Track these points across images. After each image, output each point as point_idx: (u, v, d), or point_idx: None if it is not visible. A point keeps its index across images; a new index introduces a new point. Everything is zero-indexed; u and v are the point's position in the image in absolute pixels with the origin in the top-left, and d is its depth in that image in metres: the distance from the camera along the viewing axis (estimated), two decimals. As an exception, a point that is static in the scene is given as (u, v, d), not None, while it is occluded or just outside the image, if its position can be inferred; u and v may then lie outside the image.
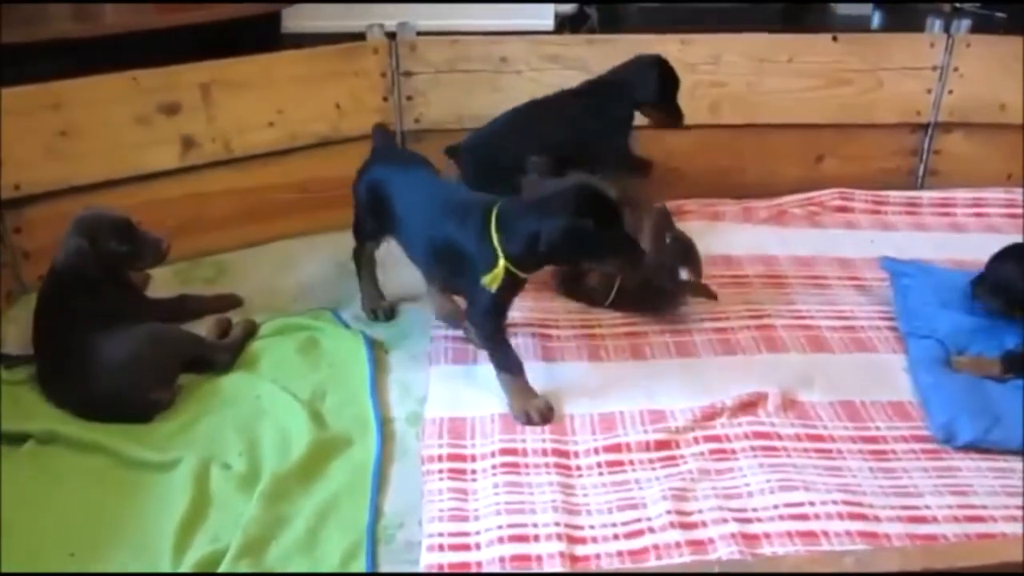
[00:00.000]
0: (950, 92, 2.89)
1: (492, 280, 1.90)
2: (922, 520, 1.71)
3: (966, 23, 2.87)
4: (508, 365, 1.99)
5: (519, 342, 2.20)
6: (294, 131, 2.66)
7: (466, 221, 1.95)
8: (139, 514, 1.76)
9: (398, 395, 2.08)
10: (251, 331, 2.25)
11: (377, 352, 2.21)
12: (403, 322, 2.35)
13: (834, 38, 2.81)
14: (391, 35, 2.73)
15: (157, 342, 2.06)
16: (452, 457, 1.86)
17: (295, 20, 2.86)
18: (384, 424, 1.98)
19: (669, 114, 2.57)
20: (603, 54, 2.75)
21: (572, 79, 2.76)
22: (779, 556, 1.20)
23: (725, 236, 2.73)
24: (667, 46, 2.77)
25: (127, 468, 1.87)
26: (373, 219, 2.23)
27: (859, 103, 2.82)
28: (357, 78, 2.72)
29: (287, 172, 2.72)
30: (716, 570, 0.82)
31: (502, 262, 1.89)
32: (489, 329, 2.01)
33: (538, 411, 1.96)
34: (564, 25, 3.41)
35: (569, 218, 1.84)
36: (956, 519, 1.71)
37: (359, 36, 2.74)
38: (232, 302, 2.39)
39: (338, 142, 2.73)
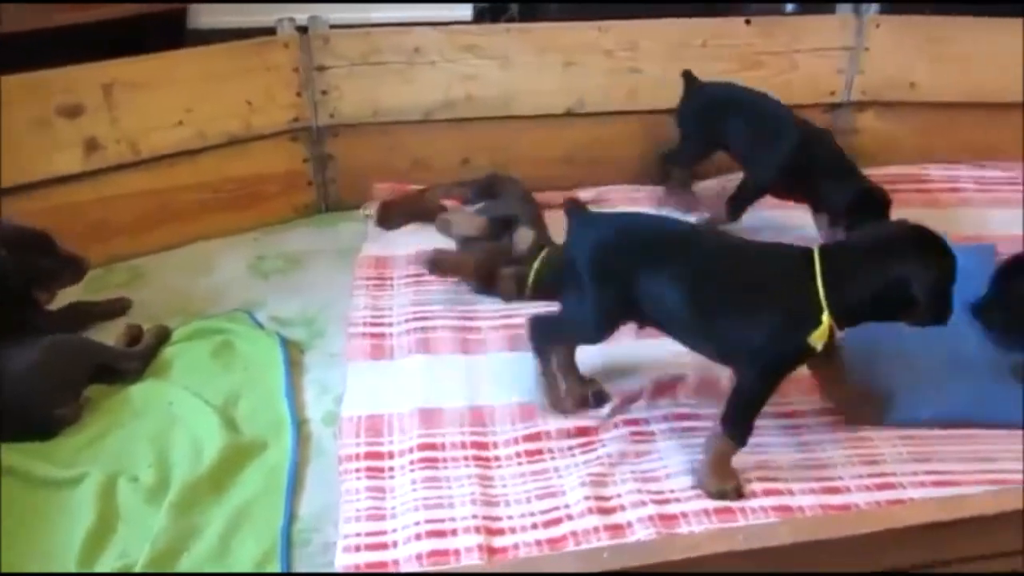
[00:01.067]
0: (861, 72, 2.93)
1: (819, 337, 1.65)
2: (835, 491, 1.73)
3: (875, 4, 2.91)
4: (741, 439, 1.73)
5: (439, 336, 2.18)
6: (203, 130, 2.59)
7: (775, 272, 1.73)
8: (43, 534, 1.70)
9: (314, 395, 2.05)
10: (163, 337, 2.19)
11: (293, 352, 2.17)
12: (320, 320, 2.31)
13: (747, 22, 2.83)
14: (302, 29, 2.67)
15: (59, 354, 1.99)
16: (370, 455, 1.83)
17: (202, 16, 2.79)
18: (300, 426, 1.94)
19: None
20: (520, 44, 2.74)
21: (488, 70, 2.75)
22: (675, 535, 1.20)
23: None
24: (585, 34, 2.76)
25: (32, 487, 1.80)
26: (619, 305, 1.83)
27: (774, 85, 2.83)
28: (268, 74, 2.65)
29: (198, 172, 2.65)
30: (605, 555, 0.80)
31: (826, 317, 1.67)
32: (761, 396, 1.73)
33: (734, 491, 1.71)
34: (484, 15, 3.39)
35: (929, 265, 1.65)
36: (867, 488, 1.74)
37: (269, 31, 2.68)
38: (123, 305, 2.33)
39: (250, 140, 2.67)
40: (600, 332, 1.88)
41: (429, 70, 2.74)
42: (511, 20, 3.34)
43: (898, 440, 1.87)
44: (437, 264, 2.32)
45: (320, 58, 2.68)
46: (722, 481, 1.71)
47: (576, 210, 1.94)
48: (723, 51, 2.83)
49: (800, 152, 2.43)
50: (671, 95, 2.84)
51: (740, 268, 1.78)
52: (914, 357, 2.01)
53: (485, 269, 2.31)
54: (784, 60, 2.86)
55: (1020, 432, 1.85)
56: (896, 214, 2.71)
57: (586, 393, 1.95)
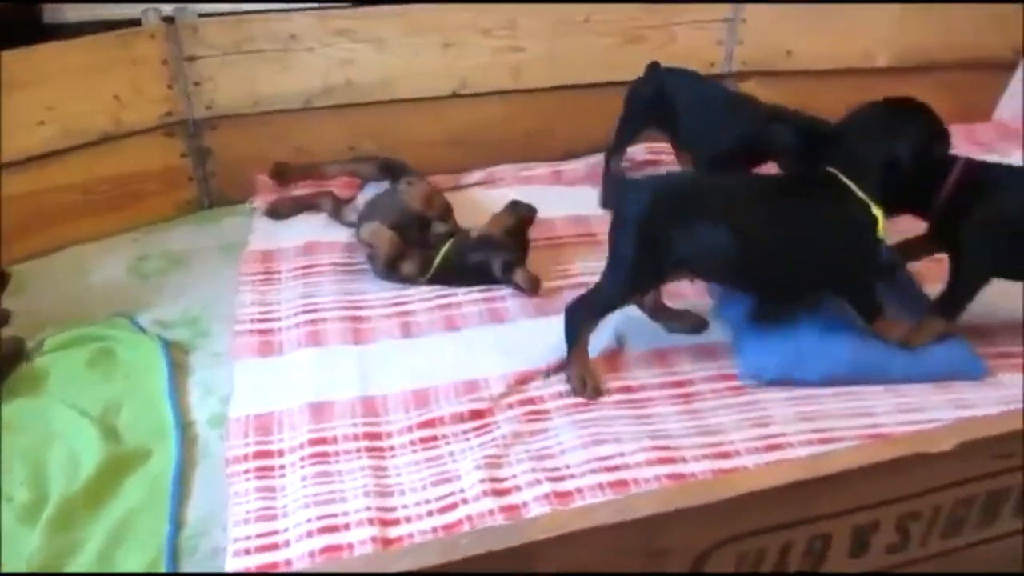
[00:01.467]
0: (740, 42, 2.98)
1: (882, 229, 1.80)
2: (726, 455, 1.75)
3: (748, -26, 2.95)
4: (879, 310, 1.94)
5: (328, 327, 2.13)
6: (68, 128, 2.47)
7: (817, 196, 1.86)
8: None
9: (200, 397, 1.98)
10: (16, 351, 2.07)
11: (176, 355, 2.09)
12: (204, 320, 2.23)
13: (627, -4, 2.84)
14: (169, 19, 2.56)
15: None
16: (259, 455, 1.77)
17: (59, 9, 2.64)
18: (184, 429, 1.88)
19: None
20: (398, 27, 2.69)
21: (366, 54, 2.69)
22: (536, 517, 1.19)
23: (539, 199, 2.70)
24: (462, 14, 2.73)
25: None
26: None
27: (657, 57, 2.86)
28: (136, 67, 2.54)
29: (69, 173, 2.53)
30: (464, 542, 0.79)
31: (876, 210, 1.81)
32: (873, 296, 1.95)
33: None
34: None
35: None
36: (757, 450, 1.76)
37: (135, 23, 2.56)
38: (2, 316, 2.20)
39: (122, 137, 2.56)
40: (633, 290, 1.94)
41: (306, 56, 2.67)
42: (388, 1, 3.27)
43: (786, 401, 1.91)
44: (359, 234, 2.33)
45: (190, 48, 2.58)
46: (895, 332, 1.95)
47: (617, 178, 1.93)
48: (605, 26, 2.84)
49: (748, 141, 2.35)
50: (555, 73, 2.86)
51: (791, 204, 1.89)
52: (798, 317, 2.06)
53: (397, 248, 2.26)
54: (664, 33, 2.89)
55: (896, 386, 1.92)
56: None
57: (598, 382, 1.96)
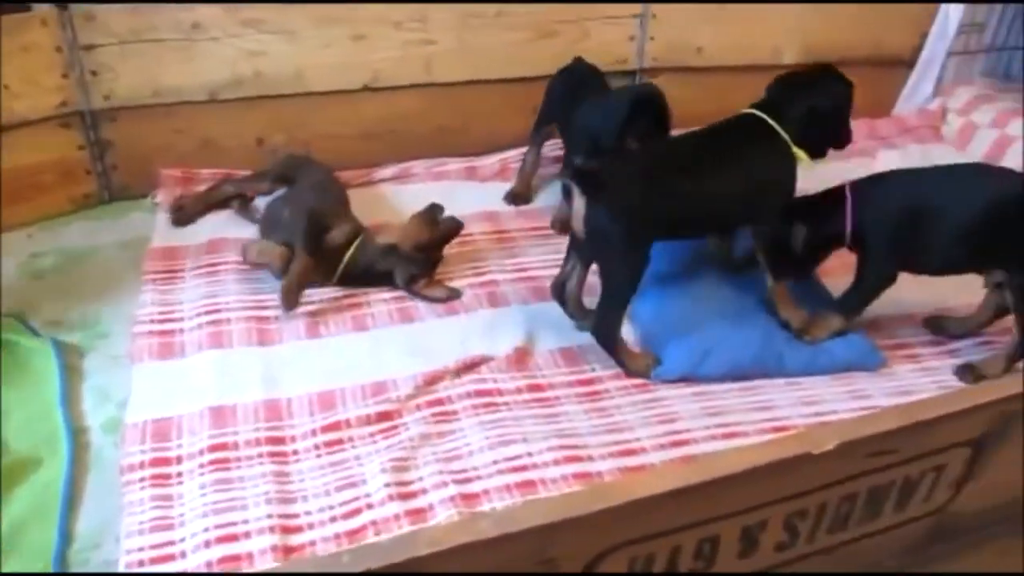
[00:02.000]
0: (652, 38, 3.00)
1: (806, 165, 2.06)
2: (632, 452, 1.77)
3: (663, -31, 2.97)
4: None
5: (232, 328, 2.07)
6: (-48, 121, 2.34)
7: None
8: None
9: (94, 402, 1.90)
10: None
11: (70, 358, 2.01)
12: (103, 320, 2.14)
13: (538, -10, 2.83)
14: (63, 4, 2.45)
15: None
16: (156, 462, 1.72)
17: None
18: (77, 436, 1.80)
19: None
20: (308, 18, 2.63)
21: (275, 45, 2.62)
22: (419, 530, 1.17)
23: (451, 196, 2.69)
24: (373, 6, 2.67)
25: None
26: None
27: (569, 53, 2.85)
28: (27, 55, 2.42)
29: (-47, 168, 2.40)
30: (345, 559, 0.77)
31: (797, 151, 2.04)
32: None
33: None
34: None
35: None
36: (663, 446, 1.79)
37: (23, 8, 2.44)
38: None
39: (13, 128, 2.44)
40: (642, 274, 1.97)
41: (212, 46, 2.58)
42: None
43: (691, 396, 1.94)
44: (246, 253, 2.27)
45: (86, 36, 2.47)
46: (794, 311, 2.08)
47: (583, 179, 1.97)
48: (517, 21, 2.82)
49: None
50: (467, 67, 2.83)
51: (726, 146, 2.08)
52: (703, 314, 2.09)
53: (289, 260, 2.20)
54: (576, 29, 2.88)
55: (795, 380, 1.97)
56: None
57: (651, 359, 2.03)
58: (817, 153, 2.10)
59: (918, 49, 3.25)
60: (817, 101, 2.08)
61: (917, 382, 1.99)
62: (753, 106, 2.11)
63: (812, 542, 1.13)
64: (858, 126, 3.21)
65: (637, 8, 2.94)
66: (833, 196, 2.08)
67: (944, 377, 2.01)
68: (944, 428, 1.05)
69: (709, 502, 0.96)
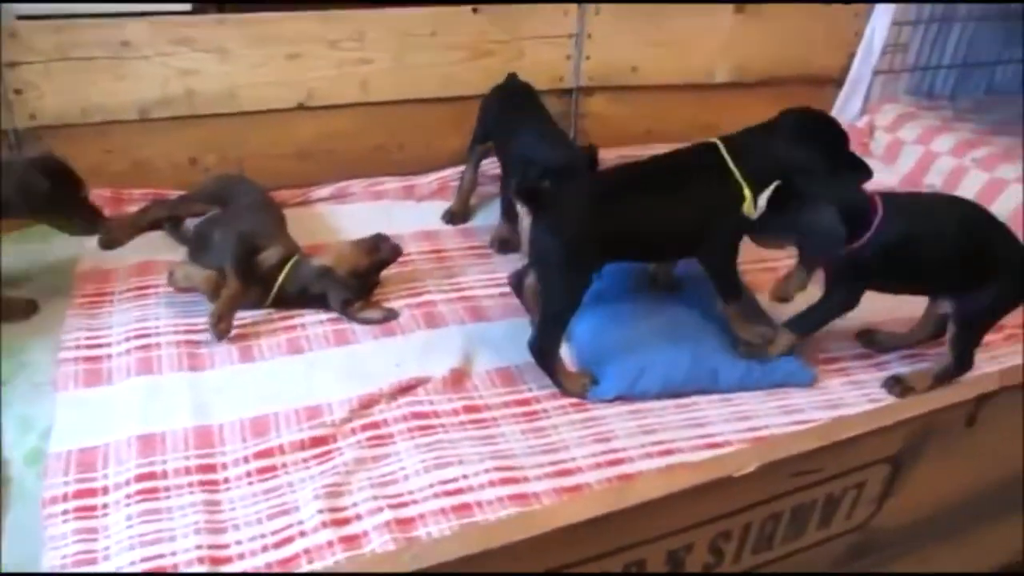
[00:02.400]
0: (587, 58, 3.03)
1: (748, 209, 1.99)
2: (568, 473, 1.77)
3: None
4: (739, 293, 2.12)
5: (163, 353, 2.03)
6: None
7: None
8: None
9: (16, 432, 1.83)
10: None
11: (-9, 386, 1.94)
12: (27, 347, 2.08)
13: (474, 10, 2.83)
14: (-16, 23, 2.39)
15: None
16: (80, 494, 1.67)
17: None
18: (-3, 468, 1.74)
19: None
20: (240, 36, 2.60)
21: (207, 63, 2.59)
22: (347, 561, 1.16)
23: (389, 215, 2.70)
24: (307, 23, 2.66)
25: None
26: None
27: (505, 72, 2.87)
28: (-54, 73, 2.36)
29: None
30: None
31: (748, 192, 2.00)
32: (733, 257, 2.10)
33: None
34: (208, 5, 3.18)
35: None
36: (599, 465, 1.79)
37: (-54, 26, 2.38)
38: None
39: (-68, 149, 2.37)
40: (582, 296, 2.00)
41: (142, 65, 2.54)
42: (238, 9, 3.16)
43: (627, 414, 1.95)
44: (171, 277, 2.21)
45: (9, 54, 2.41)
46: (751, 332, 2.09)
47: (528, 195, 1.99)
48: (453, 40, 2.83)
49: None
50: (404, 86, 2.83)
51: (678, 175, 2.06)
52: (639, 332, 2.10)
53: (218, 285, 2.16)
54: (512, 48, 2.90)
55: (728, 395, 2.00)
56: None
57: (588, 378, 2.03)
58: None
59: (846, 68, 3.34)
60: (784, 149, 2.02)
61: (847, 395, 2.03)
62: (721, 136, 2.09)
63: (738, 563, 1.14)
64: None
65: (572, 28, 2.96)
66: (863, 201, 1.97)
67: (872, 390, 2.05)
68: (863, 446, 1.07)
69: (633, 527, 0.97)
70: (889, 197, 2.01)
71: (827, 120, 2.13)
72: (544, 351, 1.99)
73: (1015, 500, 1.51)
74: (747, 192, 1.99)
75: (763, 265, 2.42)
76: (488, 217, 2.70)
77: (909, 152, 3.12)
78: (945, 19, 3.33)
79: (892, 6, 3.20)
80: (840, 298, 2.04)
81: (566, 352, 2.08)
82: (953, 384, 1.91)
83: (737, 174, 2.00)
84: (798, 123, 2.07)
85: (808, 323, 2.08)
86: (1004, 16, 3.37)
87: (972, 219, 2.00)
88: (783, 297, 2.06)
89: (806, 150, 2.02)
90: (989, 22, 3.41)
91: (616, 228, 1.96)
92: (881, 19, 3.24)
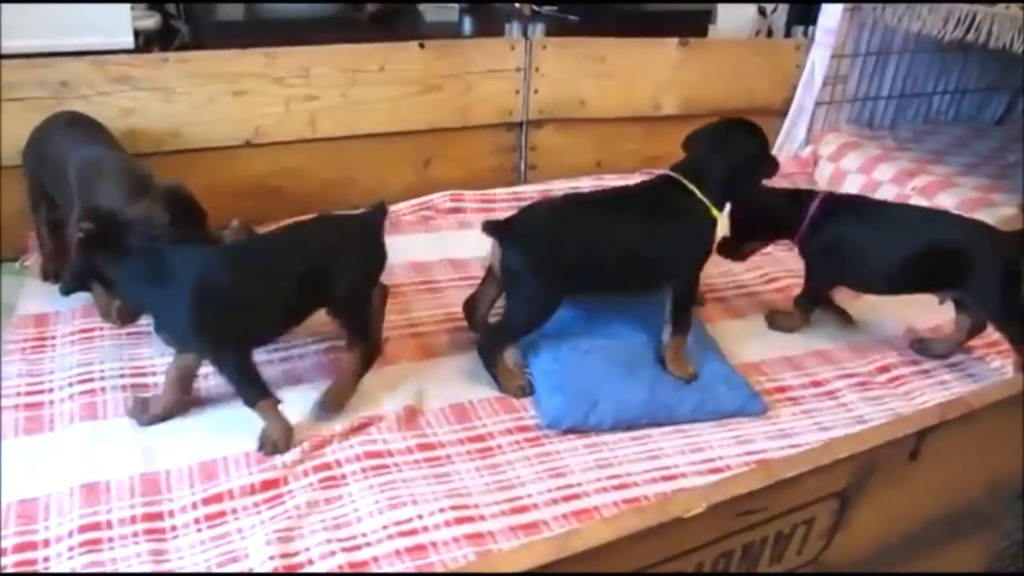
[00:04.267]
0: (536, 91, 3.06)
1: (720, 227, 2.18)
2: (524, 510, 1.76)
3: (540, 26, 3.05)
4: (688, 330, 2.16)
5: (107, 398, 1.98)
6: None
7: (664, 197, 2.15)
8: None
9: (-48, 486, 1.78)
10: None
11: (-75, 438, 1.87)
12: (-37, 396, 2.01)
13: (421, 45, 2.85)
14: (-83, 62, 2.34)
15: None
16: (20, 547, 1.61)
17: None
18: (-69, 525, 1.67)
19: None
20: (182, 74, 2.58)
21: (150, 102, 2.56)
22: None
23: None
24: (252, 61, 2.65)
25: None
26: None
27: (455, 107, 2.89)
28: None
29: None
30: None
31: (715, 212, 2.14)
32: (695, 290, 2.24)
33: (692, 376, 2.11)
34: (152, 42, 3.16)
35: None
36: (555, 501, 1.78)
37: None
38: None
39: None
40: (545, 318, 2.09)
41: (81, 104, 2.49)
42: (184, 47, 3.14)
43: (582, 448, 1.95)
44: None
45: (-57, 95, 2.36)
46: (684, 368, 2.11)
47: (495, 227, 2.05)
48: (401, 74, 2.84)
49: None
50: (352, 122, 2.83)
51: (647, 208, 2.13)
52: (594, 363, 2.11)
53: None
54: (461, 82, 2.92)
55: (681, 427, 2.01)
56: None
57: (525, 381, 2.11)
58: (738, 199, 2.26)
59: (789, 100, 3.42)
60: (734, 161, 2.17)
61: (797, 424, 2.05)
62: (673, 168, 2.20)
63: (694, 601, 1.14)
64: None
65: (520, 62, 2.99)
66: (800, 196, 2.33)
67: (822, 419, 2.08)
68: (809, 483, 1.09)
69: (581, 571, 0.96)
70: (838, 198, 2.34)
71: (751, 125, 2.27)
72: (490, 350, 2.08)
73: (962, 528, 1.54)
74: (715, 213, 2.13)
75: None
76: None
77: (852, 180, 3.19)
78: (882, 52, 3.43)
79: (831, 40, 3.29)
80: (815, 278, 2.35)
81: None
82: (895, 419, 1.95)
83: (705, 200, 2.11)
84: (734, 132, 2.23)
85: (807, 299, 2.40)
86: (939, 48, 3.48)
87: (926, 223, 2.24)
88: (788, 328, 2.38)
89: (745, 158, 2.20)
90: (925, 54, 3.52)
91: (583, 259, 2.04)
92: (821, 52, 3.33)
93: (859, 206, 2.34)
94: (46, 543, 1.63)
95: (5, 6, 2.51)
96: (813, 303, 2.40)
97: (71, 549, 1.61)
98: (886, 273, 2.23)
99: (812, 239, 2.29)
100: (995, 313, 2.19)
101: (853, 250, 2.25)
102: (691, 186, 2.12)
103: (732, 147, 2.19)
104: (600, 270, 2.08)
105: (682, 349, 2.14)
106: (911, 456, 1.23)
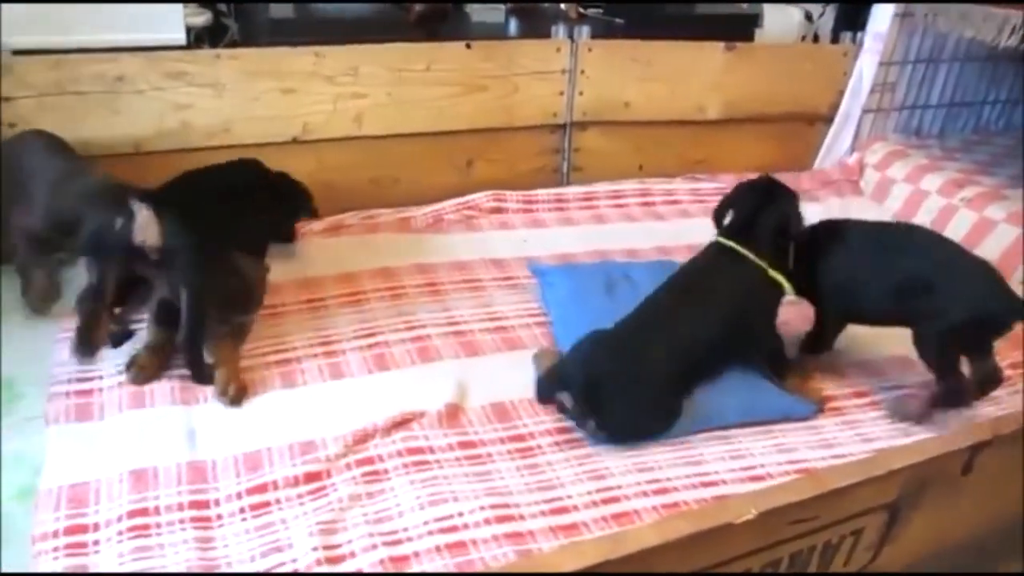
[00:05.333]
0: (580, 93, 3.06)
1: (789, 291, 2.13)
2: (564, 511, 1.76)
3: (587, 29, 3.05)
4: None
5: (154, 387, 2.02)
6: None
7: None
8: None
9: (8, 469, 1.82)
10: None
11: (-19, 422, 1.92)
12: (19, 380, 2.06)
13: (467, 45, 2.87)
14: (-21, 57, 2.40)
15: None
16: (71, 530, 1.65)
17: None
18: (-13, 507, 1.72)
19: None
20: (233, 71, 2.62)
21: (202, 98, 2.60)
22: None
23: (384, 247, 2.71)
24: (302, 59, 2.69)
25: None
26: None
27: (499, 107, 2.91)
28: (-59, 106, 2.36)
29: None
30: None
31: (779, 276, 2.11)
32: (783, 348, 2.17)
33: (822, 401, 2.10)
34: (202, 39, 3.20)
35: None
36: (595, 503, 1.79)
37: (-60, 59, 2.38)
38: None
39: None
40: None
41: (137, 100, 2.55)
42: (234, 44, 3.19)
43: (623, 452, 1.94)
44: None
45: (4, 88, 2.41)
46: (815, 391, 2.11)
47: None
48: (446, 74, 2.85)
49: None
50: (398, 121, 2.85)
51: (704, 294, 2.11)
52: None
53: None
54: (507, 84, 2.93)
55: (723, 433, 2.00)
56: (622, 227, 2.90)
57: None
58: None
59: (835, 106, 3.39)
60: (781, 220, 2.14)
61: (840, 435, 2.03)
62: (721, 235, 2.17)
63: (739, 608, 1.14)
64: (781, 180, 3.32)
65: (566, 64, 3.00)
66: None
67: (866, 430, 2.05)
68: (859, 494, 1.08)
69: (632, 573, 0.97)
70: (828, 225, 2.21)
71: (773, 180, 2.25)
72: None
73: (1012, 545, 1.52)
74: (782, 279, 2.11)
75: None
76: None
77: (899, 190, 3.16)
78: (932, 59, 3.39)
79: (879, 47, 3.26)
80: (826, 313, 2.22)
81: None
82: (950, 434, 1.91)
83: (769, 270, 2.09)
84: (766, 193, 2.19)
85: (816, 342, 2.25)
86: (990, 57, 3.43)
87: (901, 246, 2.13)
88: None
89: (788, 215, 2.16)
90: (976, 62, 3.47)
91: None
92: (869, 58, 3.30)
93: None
94: (96, 527, 1.66)
95: (67, 5, 2.57)
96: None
97: (120, 533, 1.64)
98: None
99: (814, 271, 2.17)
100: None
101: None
102: (747, 252, 2.10)
103: (775, 207, 2.16)
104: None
105: (796, 379, 2.14)
106: (963, 470, 1.22)
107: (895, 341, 2.16)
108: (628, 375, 1.96)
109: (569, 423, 2.00)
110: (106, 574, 1.53)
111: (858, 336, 2.37)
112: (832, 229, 2.22)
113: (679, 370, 2.00)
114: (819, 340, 2.25)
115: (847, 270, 2.14)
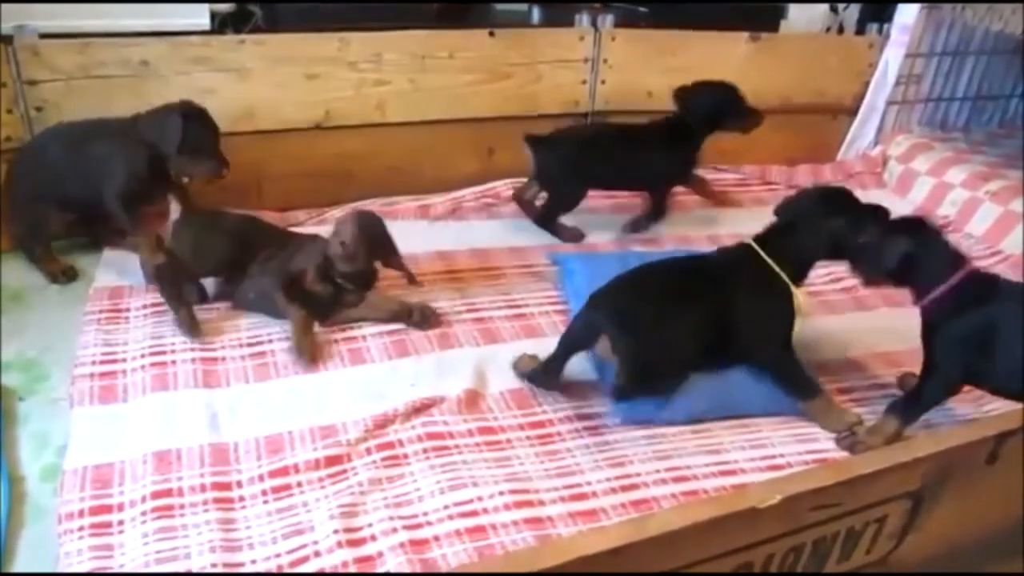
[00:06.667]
0: (603, 82, 3.05)
1: (801, 304, 2.05)
2: (583, 497, 1.77)
3: (610, 18, 3.04)
4: (814, 389, 2.03)
5: (177, 370, 2.04)
6: None
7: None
8: None
9: (33, 448, 1.85)
10: None
11: (7, 401, 1.95)
12: (43, 362, 2.09)
13: (491, 33, 2.86)
14: (7, 39, 2.41)
15: None
16: (96, 510, 1.67)
17: None
18: (13, 485, 1.74)
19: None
20: (257, 56, 2.63)
21: (226, 83, 2.62)
22: None
23: (403, 235, 2.68)
24: (326, 45, 2.69)
25: None
26: None
27: (522, 95, 2.90)
28: (-30, 89, 2.38)
29: None
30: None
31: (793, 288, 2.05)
32: (794, 356, 2.05)
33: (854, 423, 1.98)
34: (226, 24, 3.22)
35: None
36: (614, 490, 1.79)
37: (-29, 42, 2.41)
38: None
39: (-44, 164, 2.39)
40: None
41: (161, 84, 2.56)
42: (257, 30, 3.20)
43: (642, 439, 1.95)
44: None
45: (31, 71, 2.44)
46: (842, 420, 1.99)
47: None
48: (469, 62, 2.85)
49: None
50: (420, 107, 2.85)
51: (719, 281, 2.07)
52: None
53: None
54: (530, 71, 2.93)
55: (744, 421, 2.00)
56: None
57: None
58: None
59: (860, 98, 3.36)
60: (825, 237, 2.04)
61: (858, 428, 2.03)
62: (756, 238, 2.10)
63: (760, 594, 1.14)
64: (803, 171, 3.29)
65: (589, 53, 2.99)
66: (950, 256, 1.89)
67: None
68: (884, 482, 1.08)
69: (655, 559, 0.97)
70: (982, 273, 1.90)
71: (838, 190, 2.14)
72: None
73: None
74: (794, 290, 2.05)
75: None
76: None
77: (922, 183, 3.13)
78: (959, 52, 3.35)
79: (905, 39, 3.22)
80: (940, 377, 1.88)
81: (579, 374, 2.09)
82: (975, 421, 1.87)
83: (782, 274, 2.04)
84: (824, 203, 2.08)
85: (914, 407, 1.91)
86: (1017, 50, 3.39)
87: None
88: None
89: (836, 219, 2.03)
90: (1004, 55, 3.43)
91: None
92: (895, 50, 3.26)
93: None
94: (120, 507, 1.68)
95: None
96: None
97: (144, 514, 1.66)
98: None
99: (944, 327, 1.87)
100: None
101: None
102: (769, 260, 2.05)
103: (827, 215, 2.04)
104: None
105: (821, 406, 2.01)
106: (988, 460, 1.21)
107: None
108: (655, 310, 1.98)
109: (588, 409, 2.01)
110: (120, 575, 1.54)
111: (879, 326, 2.36)
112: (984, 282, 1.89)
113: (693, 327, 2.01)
114: (917, 406, 1.92)
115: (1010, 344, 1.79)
